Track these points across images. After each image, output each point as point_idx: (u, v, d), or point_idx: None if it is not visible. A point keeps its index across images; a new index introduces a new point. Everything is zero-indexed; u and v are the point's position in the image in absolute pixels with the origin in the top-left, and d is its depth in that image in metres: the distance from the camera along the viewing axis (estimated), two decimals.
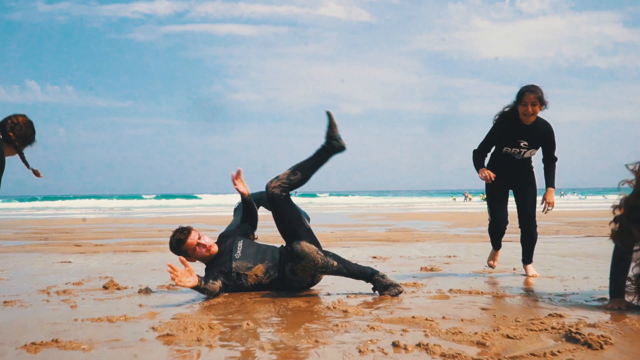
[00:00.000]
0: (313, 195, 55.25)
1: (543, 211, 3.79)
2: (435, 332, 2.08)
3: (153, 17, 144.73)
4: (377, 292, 3.08)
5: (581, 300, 2.83)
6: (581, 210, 19.74)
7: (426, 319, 2.33)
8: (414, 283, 3.51)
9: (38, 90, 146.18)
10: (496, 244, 4.17)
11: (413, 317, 2.39)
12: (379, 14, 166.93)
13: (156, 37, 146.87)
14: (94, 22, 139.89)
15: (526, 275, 3.98)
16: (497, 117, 3.91)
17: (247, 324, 2.30)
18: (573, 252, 5.57)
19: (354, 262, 3.22)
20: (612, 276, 2.65)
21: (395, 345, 1.91)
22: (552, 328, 2.09)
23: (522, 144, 3.85)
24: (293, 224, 3.24)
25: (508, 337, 1.97)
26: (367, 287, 3.15)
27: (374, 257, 5.18)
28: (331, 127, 3.33)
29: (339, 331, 2.18)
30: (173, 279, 2.80)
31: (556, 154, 3.89)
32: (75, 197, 53.83)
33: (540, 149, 3.87)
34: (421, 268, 4.35)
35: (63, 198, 52.13)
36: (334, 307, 2.65)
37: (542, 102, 3.73)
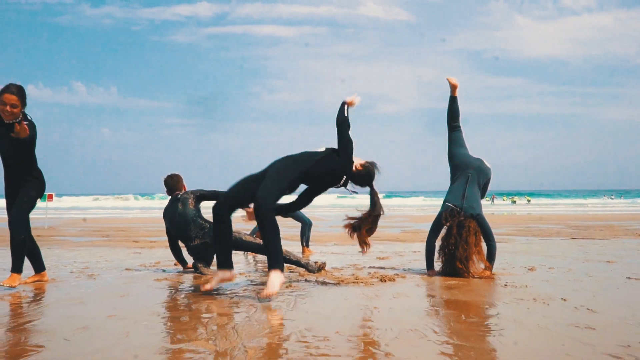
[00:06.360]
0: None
1: None
2: (327, 277, 5.19)
3: (194, 19, 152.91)
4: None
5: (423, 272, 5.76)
6: (601, 214, 21.92)
7: (333, 274, 5.43)
8: (355, 265, 6.54)
9: (84, 91, 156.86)
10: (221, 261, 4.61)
11: (327, 272, 5.50)
12: (417, 13, 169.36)
13: (197, 38, 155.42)
14: (137, 25, 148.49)
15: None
16: None
17: (248, 274, 5.47)
18: (527, 250, 8.08)
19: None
20: (427, 256, 5.44)
21: (305, 279, 5.04)
22: (382, 276, 5.13)
23: None
24: None
25: (356, 278, 5.05)
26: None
27: (359, 251, 8.06)
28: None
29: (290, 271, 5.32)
30: None
31: None
32: (118, 194, 59.64)
33: None
34: (377, 257, 7.23)
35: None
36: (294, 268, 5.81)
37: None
